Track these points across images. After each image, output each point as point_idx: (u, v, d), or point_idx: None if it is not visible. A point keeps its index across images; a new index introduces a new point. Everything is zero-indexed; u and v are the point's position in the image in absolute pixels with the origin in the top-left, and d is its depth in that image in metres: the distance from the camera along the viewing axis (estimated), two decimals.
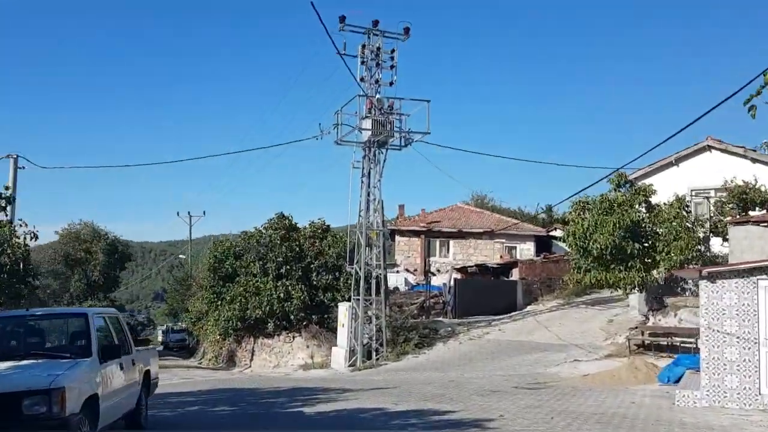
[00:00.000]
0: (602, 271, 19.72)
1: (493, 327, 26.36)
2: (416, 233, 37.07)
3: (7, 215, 12.06)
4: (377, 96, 23.06)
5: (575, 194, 21.05)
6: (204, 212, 59.13)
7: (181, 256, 61.67)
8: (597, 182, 21.84)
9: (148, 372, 9.47)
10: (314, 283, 28.03)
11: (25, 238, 12.31)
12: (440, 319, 28.34)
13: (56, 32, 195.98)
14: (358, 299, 23.62)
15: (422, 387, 15.62)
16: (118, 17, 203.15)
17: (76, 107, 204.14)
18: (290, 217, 29.94)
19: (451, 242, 37.06)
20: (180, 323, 54.57)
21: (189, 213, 56.65)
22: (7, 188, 11.78)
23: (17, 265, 11.74)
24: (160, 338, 74.72)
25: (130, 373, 8.38)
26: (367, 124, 23.37)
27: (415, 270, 36.33)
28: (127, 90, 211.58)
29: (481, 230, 36.74)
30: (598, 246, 18.96)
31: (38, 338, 7.76)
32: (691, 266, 17.85)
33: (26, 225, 12.29)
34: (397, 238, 37.29)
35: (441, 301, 29.62)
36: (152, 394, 10.13)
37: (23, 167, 24.92)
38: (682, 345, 17.48)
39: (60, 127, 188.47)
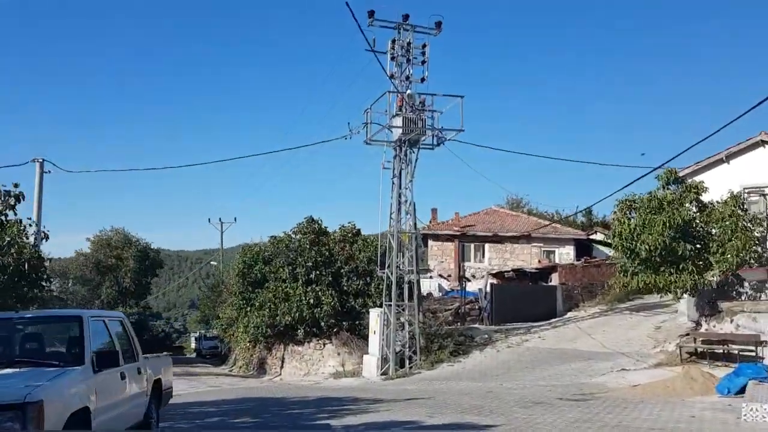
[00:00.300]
0: (651, 274, 18.49)
1: (533, 334, 25.18)
2: (450, 238, 36.04)
3: (16, 214, 11.50)
4: (408, 91, 22.15)
5: (617, 191, 19.92)
6: (235, 219, 58.96)
7: (212, 262, 61.48)
8: (641, 177, 20.54)
9: (158, 381, 8.67)
10: (345, 288, 27.19)
11: (35, 239, 11.74)
12: (476, 326, 27.25)
13: (81, 39, 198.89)
14: (390, 305, 22.70)
15: (459, 398, 14.61)
16: (138, 17, 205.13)
17: (102, 116, 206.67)
18: (320, 221, 29.22)
19: (486, 246, 35.92)
20: (212, 330, 54.25)
21: (220, 219, 56.44)
22: (16, 185, 11.19)
23: (22, 266, 11.09)
24: (193, 345, 74.97)
25: (136, 382, 7.59)
26: (398, 121, 22.50)
27: (449, 276, 35.28)
28: (151, 95, 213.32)
29: (518, 234, 35.53)
30: (647, 247, 17.76)
31: (26, 343, 6.95)
32: (754, 267, 16.52)
33: (37, 225, 11.69)
34: (430, 242, 36.29)
35: (477, 307, 28.52)
36: (165, 405, 9.34)
37: (49, 171, 24.77)
38: (741, 353, 16.12)
39: (88, 137, 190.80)
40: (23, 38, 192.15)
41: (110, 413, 6.47)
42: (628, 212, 18.94)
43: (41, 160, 24.67)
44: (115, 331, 7.39)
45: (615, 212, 19.97)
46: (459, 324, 26.43)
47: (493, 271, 32.89)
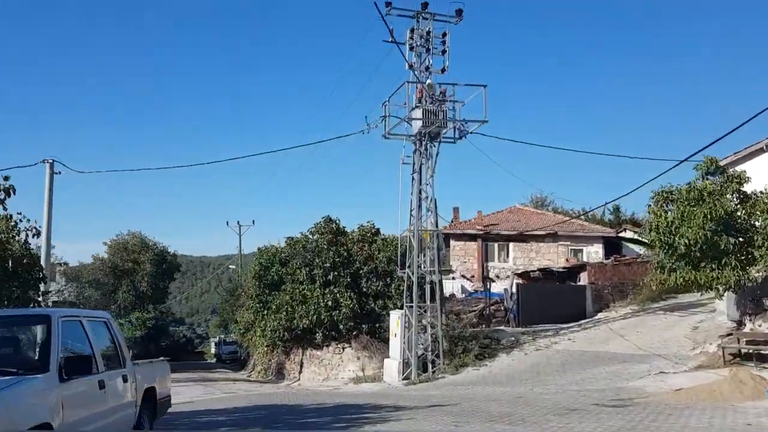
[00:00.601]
0: (690, 270, 17.27)
1: (562, 336, 24.05)
2: (472, 237, 34.94)
3: (5, 209, 10.72)
4: (428, 81, 21.18)
5: (649, 182, 18.78)
6: (253, 221, 58.25)
7: (231, 266, 60.99)
8: (678, 164, 19.18)
9: (152, 390, 7.76)
10: (364, 290, 26.27)
11: (26, 235, 11.00)
12: (502, 327, 26.17)
13: (101, 43, 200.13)
14: (411, 306, 21.74)
15: (486, 404, 13.60)
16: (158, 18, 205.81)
17: (112, 118, 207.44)
18: (337, 221, 28.34)
19: (511, 246, 34.77)
20: (231, 335, 53.69)
21: (238, 223, 55.86)
22: (5, 179, 10.43)
23: (7, 264, 10.31)
24: (213, 350, 74.59)
25: (121, 392, 6.72)
26: (417, 114, 21.58)
27: (472, 276, 34.19)
28: (170, 94, 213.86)
29: (544, 232, 34.34)
30: (686, 241, 16.56)
31: None
32: None
33: (28, 220, 10.97)
34: (452, 242, 35.21)
35: (502, 309, 27.44)
36: (161, 416, 8.46)
37: (59, 172, 24.29)
38: None
39: (100, 142, 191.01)
40: (42, 40, 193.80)
41: (85, 428, 5.59)
42: (664, 204, 17.75)
43: (51, 161, 24.20)
44: (94, 334, 6.49)
45: (650, 205, 18.78)
46: (484, 326, 25.37)
47: (519, 271, 31.76)
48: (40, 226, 10.83)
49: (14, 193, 10.39)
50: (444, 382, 19.68)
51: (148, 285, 44.22)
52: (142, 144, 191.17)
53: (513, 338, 23.86)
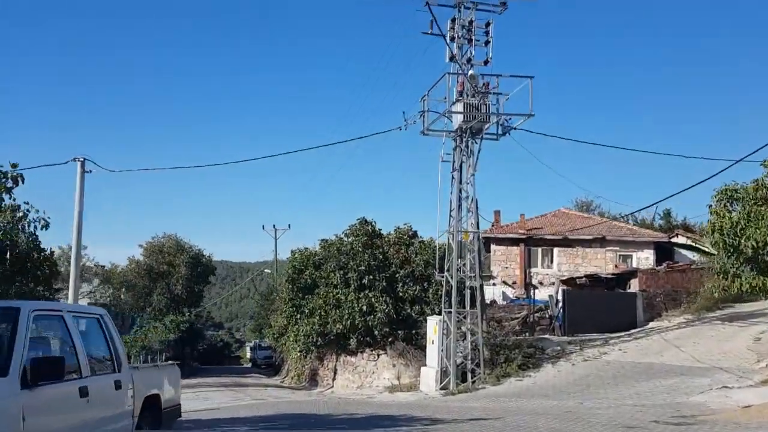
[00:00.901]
0: (757, 275, 15.85)
1: (611, 346, 22.62)
2: (515, 241, 33.63)
3: (13, 198, 10.03)
4: (470, 72, 20.10)
5: (705, 180, 17.39)
6: (289, 225, 57.85)
7: (266, 270, 60.61)
8: (736, 162, 17.72)
9: (155, 398, 6.85)
10: (400, 294, 25.23)
11: (34, 228, 10.31)
12: (546, 336, 24.84)
13: (131, 43, 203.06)
14: (450, 312, 20.63)
15: (533, 419, 12.44)
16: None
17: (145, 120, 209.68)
18: (373, 223, 27.40)
19: (555, 251, 33.35)
20: (265, 339, 53.23)
21: (274, 226, 55.42)
22: (14, 166, 9.73)
23: (10, 256, 9.59)
24: (248, 355, 74.42)
25: (111, 400, 5.83)
26: (458, 108, 20.54)
27: (514, 282, 32.87)
28: (202, 92, 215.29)
29: (590, 237, 32.83)
30: (753, 243, 15.16)
31: None
32: None
33: (37, 211, 10.27)
34: (493, 247, 33.96)
35: (547, 316, 26.08)
36: (169, 427, 7.50)
37: (90, 171, 23.85)
38: None
39: (131, 146, 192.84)
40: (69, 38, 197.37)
41: None
42: (728, 204, 16.34)
43: (82, 159, 23.73)
44: (80, 332, 5.59)
45: (712, 205, 17.36)
46: (527, 334, 24.07)
47: (564, 278, 30.33)
48: (49, 218, 10.19)
49: (23, 182, 9.74)
50: (485, 393, 18.51)
51: (182, 288, 43.95)
52: (178, 147, 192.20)
53: (559, 348, 22.54)
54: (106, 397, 5.79)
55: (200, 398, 23.76)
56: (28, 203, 10.28)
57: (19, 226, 10.07)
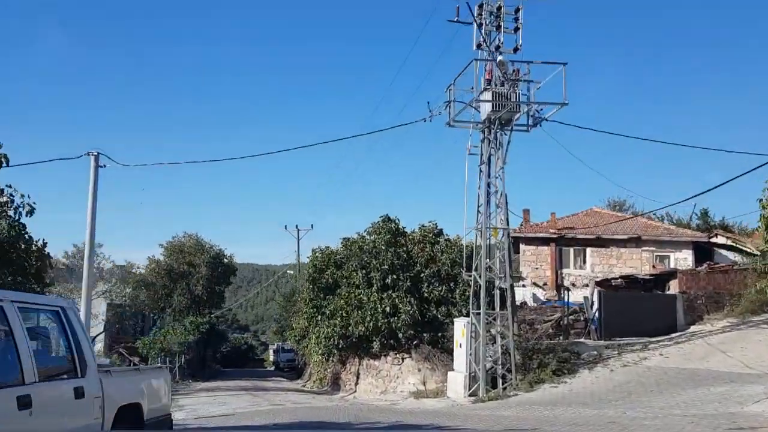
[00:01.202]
0: None
1: (652, 351, 21.32)
2: (545, 241, 32.36)
3: None
4: (499, 58, 18.99)
5: (744, 174, 16.04)
6: (312, 225, 57.03)
7: (289, 271, 59.87)
8: None
9: (135, 408, 5.84)
10: (425, 295, 24.17)
11: (19, 215, 9.46)
12: (581, 340, 23.59)
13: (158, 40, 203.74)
14: (479, 314, 19.52)
15: (572, 430, 11.28)
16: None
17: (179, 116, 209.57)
18: (397, 221, 26.39)
19: (588, 251, 32.01)
20: (287, 342, 52.48)
21: (297, 227, 54.66)
22: None
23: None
24: (271, 358, 73.76)
25: (69, 411, 4.83)
26: (486, 97, 19.41)
27: (545, 284, 31.60)
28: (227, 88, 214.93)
29: (625, 237, 31.43)
30: None
31: None
32: None
33: (22, 196, 9.41)
34: (522, 247, 32.71)
35: (582, 319, 24.78)
36: None
37: (104, 165, 23.30)
38: None
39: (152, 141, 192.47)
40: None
41: None
42: None
43: (96, 153, 23.16)
44: (22, 327, 4.53)
45: (762, 199, 16.06)
46: (561, 338, 22.80)
47: (598, 279, 28.99)
48: (34, 203, 9.34)
49: (7, 164, 8.87)
50: (517, 401, 17.36)
51: (203, 288, 43.29)
52: (193, 144, 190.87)
53: (595, 352, 21.29)
54: (61, 408, 4.80)
55: (216, 403, 22.94)
56: (11, 186, 9.45)
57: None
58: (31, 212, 9.51)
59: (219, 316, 49.62)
